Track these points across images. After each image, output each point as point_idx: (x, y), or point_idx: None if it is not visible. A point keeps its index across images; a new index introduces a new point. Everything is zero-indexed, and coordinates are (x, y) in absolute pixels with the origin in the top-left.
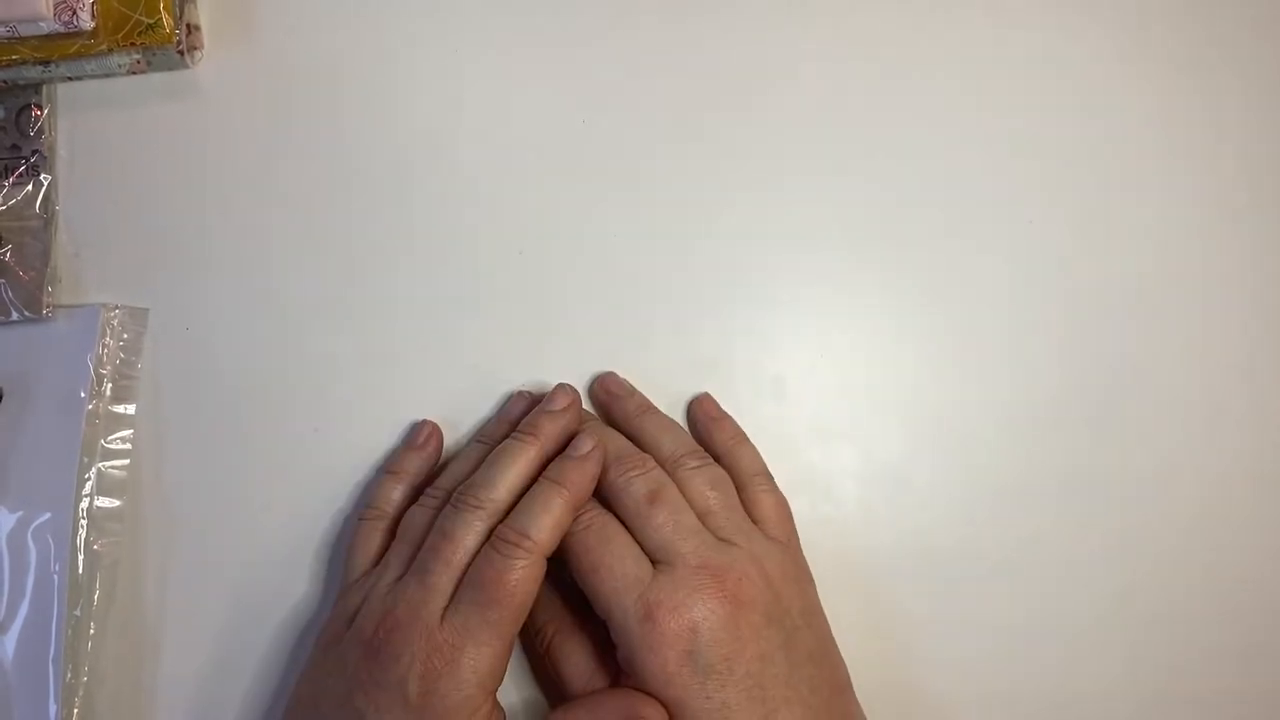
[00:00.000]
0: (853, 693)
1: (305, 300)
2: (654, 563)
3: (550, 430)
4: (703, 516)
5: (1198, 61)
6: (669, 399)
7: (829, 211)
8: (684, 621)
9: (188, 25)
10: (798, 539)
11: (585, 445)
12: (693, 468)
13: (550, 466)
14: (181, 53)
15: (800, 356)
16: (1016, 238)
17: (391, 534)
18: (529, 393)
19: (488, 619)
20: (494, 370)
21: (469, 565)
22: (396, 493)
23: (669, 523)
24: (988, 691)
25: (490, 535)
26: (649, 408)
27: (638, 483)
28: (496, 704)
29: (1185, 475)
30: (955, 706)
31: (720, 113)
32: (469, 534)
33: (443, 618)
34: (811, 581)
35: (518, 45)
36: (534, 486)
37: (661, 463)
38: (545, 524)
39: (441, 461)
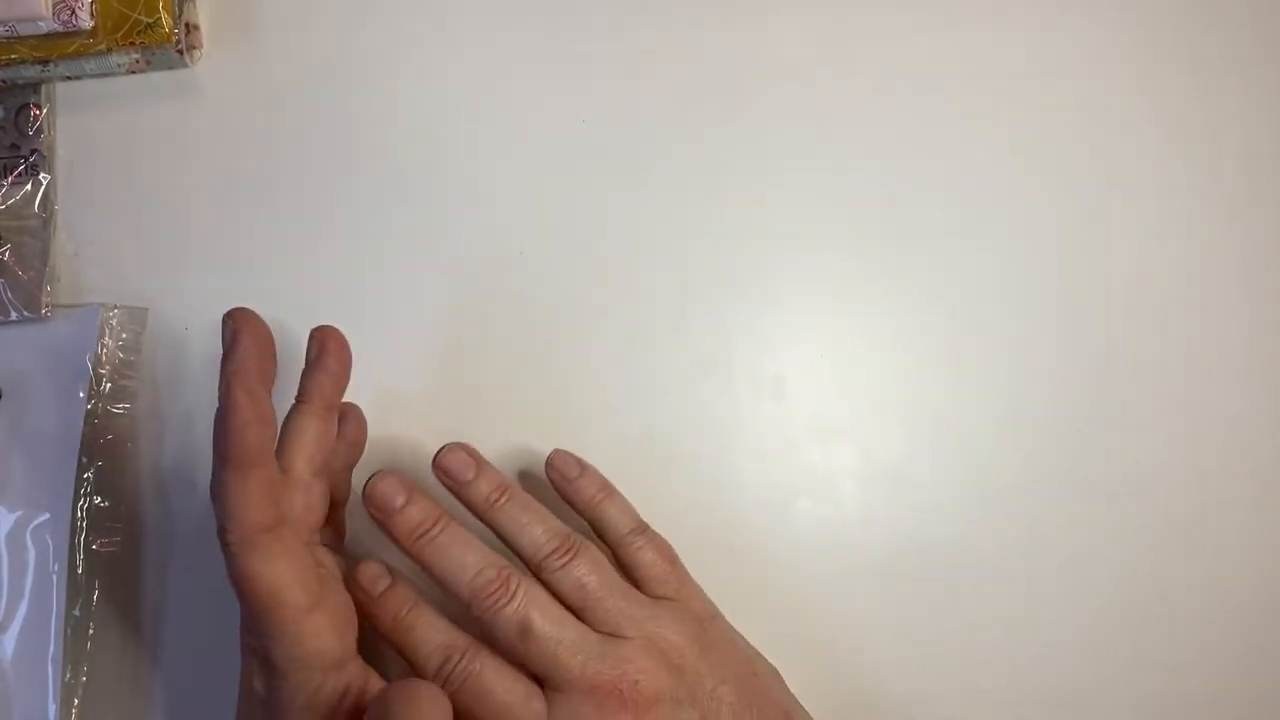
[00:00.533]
0: (800, 710)
1: (304, 300)
2: (542, 686)
3: (240, 370)
4: (580, 613)
5: (1198, 62)
6: (669, 400)
7: (829, 211)
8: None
9: (187, 25)
10: (688, 577)
11: (220, 395)
12: (557, 568)
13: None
14: (181, 52)
15: (800, 356)
16: (1016, 237)
17: None
18: (328, 328)
19: (257, 622)
20: (493, 370)
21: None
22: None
23: (546, 648)
24: (988, 691)
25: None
26: (502, 492)
27: (502, 618)
28: (351, 665)
29: (1185, 475)
30: (955, 706)
31: (720, 112)
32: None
33: (246, 625)
34: (716, 620)
35: (517, 45)
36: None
37: (525, 563)
38: (230, 506)
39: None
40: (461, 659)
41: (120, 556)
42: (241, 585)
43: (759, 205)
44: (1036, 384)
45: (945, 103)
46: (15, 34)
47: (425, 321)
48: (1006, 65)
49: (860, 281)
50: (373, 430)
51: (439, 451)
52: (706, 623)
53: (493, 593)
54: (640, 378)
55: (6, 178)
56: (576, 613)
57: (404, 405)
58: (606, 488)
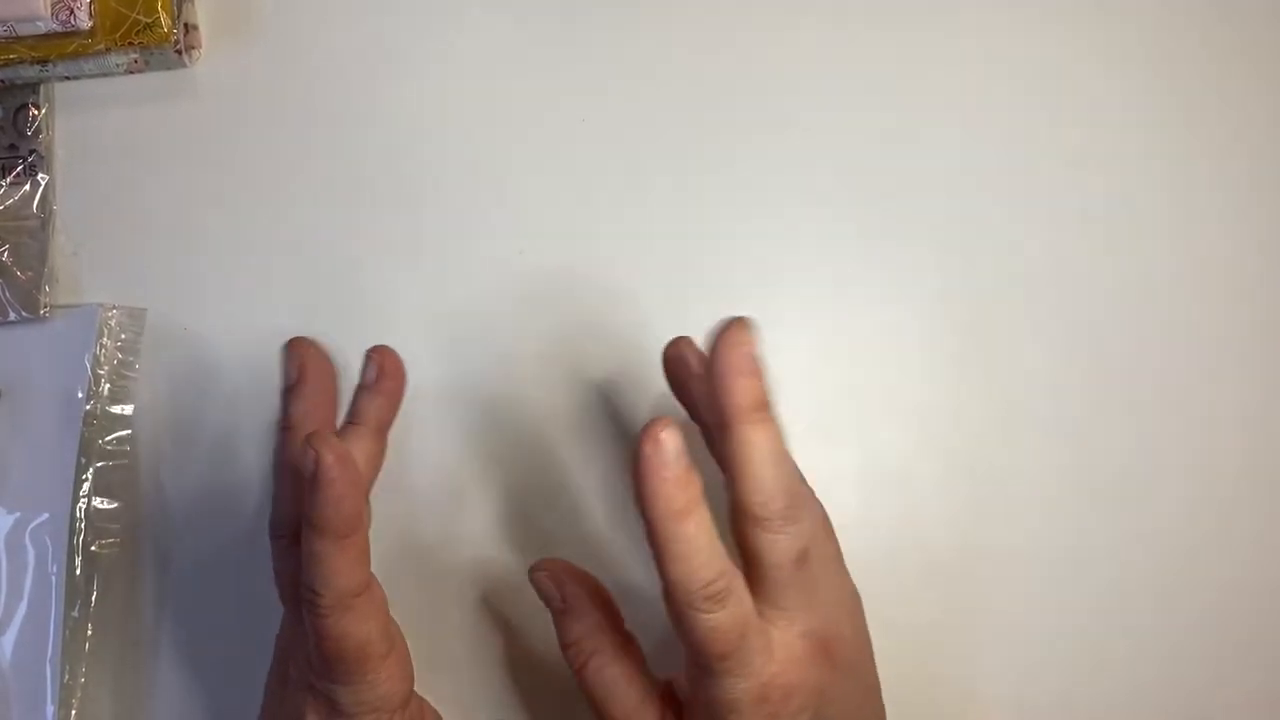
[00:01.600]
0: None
1: (304, 300)
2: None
3: (294, 413)
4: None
5: (1199, 63)
6: (669, 399)
7: (829, 211)
8: (794, 703)
9: (185, 25)
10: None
11: (308, 462)
12: (802, 514)
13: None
14: (179, 52)
15: (800, 356)
16: (1017, 238)
17: None
18: (385, 349)
19: (336, 672)
20: (494, 370)
21: None
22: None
23: (798, 587)
24: (988, 691)
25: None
26: (756, 411)
27: (781, 547)
28: (410, 705)
29: (1185, 475)
30: (955, 706)
31: (720, 112)
32: (284, 567)
33: (310, 664)
34: (837, 547)
35: (517, 44)
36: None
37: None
38: (322, 576)
39: None
40: (720, 594)
41: (119, 557)
42: (330, 644)
43: (759, 205)
44: (1037, 384)
45: (946, 103)
46: (14, 34)
47: (425, 321)
48: (1007, 65)
49: (860, 281)
50: None
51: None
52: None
53: (778, 524)
54: (640, 378)
55: (5, 178)
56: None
57: (404, 404)
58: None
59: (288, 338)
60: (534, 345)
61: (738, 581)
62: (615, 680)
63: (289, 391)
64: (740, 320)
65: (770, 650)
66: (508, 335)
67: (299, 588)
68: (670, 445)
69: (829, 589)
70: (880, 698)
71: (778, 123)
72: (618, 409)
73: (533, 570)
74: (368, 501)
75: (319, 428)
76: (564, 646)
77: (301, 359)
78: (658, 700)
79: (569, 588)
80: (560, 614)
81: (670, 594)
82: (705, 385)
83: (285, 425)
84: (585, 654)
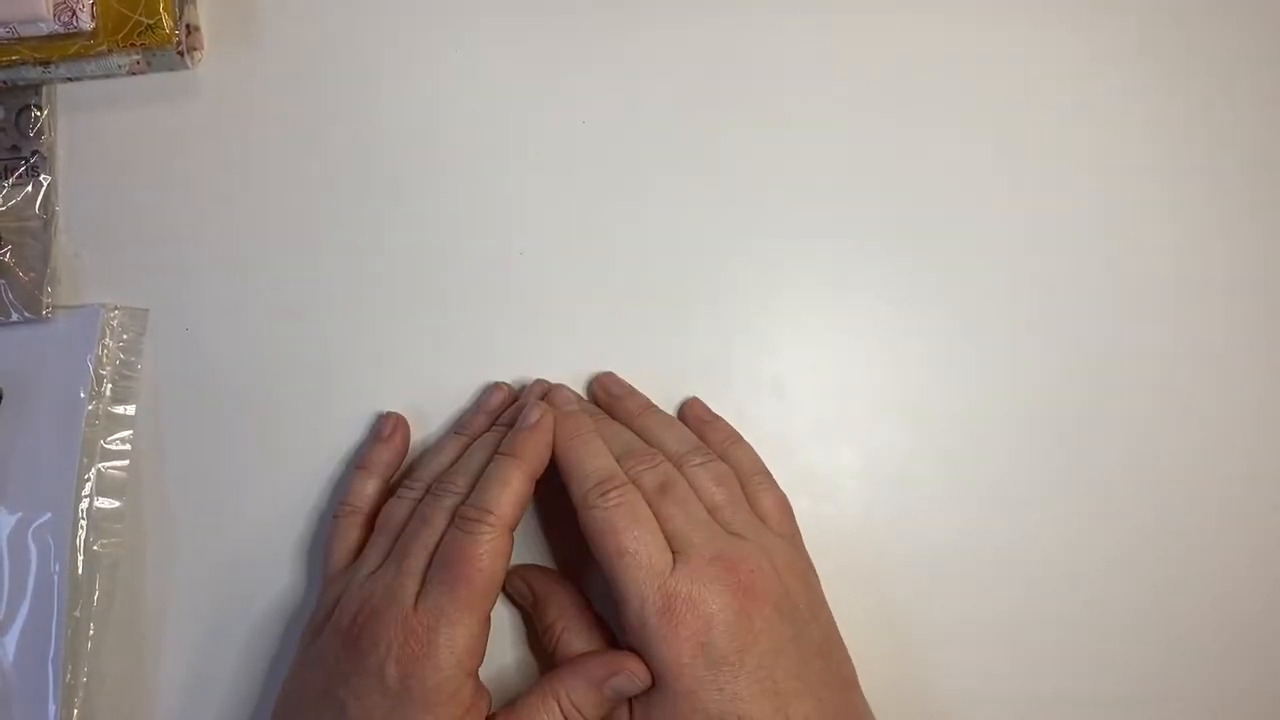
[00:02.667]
0: (859, 689)
1: (305, 301)
2: None
3: (554, 408)
4: (711, 511)
5: (1199, 62)
6: (669, 400)
7: (829, 211)
8: (700, 615)
9: (187, 26)
10: (800, 535)
11: (533, 415)
12: (697, 464)
13: (504, 440)
14: (181, 53)
15: (800, 356)
16: (1017, 238)
17: (368, 528)
18: (507, 385)
19: (458, 597)
20: (494, 371)
21: None
22: (369, 486)
23: (680, 514)
24: (988, 690)
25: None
26: (649, 406)
27: (647, 475)
28: (479, 684)
29: (1186, 475)
30: (955, 705)
31: (720, 112)
32: (444, 518)
33: (416, 601)
34: (816, 577)
35: (518, 45)
36: (491, 466)
37: (666, 459)
38: (504, 498)
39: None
40: (618, 486)
41: (121, 557)
42: (472, 559)
43: (759, 205)
44: (1036, 384)
45: (946, 103)
46: (16, 35)
47: (425, 321)
48: (1007, 66)
49: (861, 281)
50: (370, 426)
51: (599, 376)
52: (810, 568)
53: (642, 458)
54: (641, 378)
55: (7, 179)
56: (707, 511)
57: (403, 404)
58: (735, 434)
59: (290, 339)
60: (534, 345)
61: (630, 486)
62: (580, 647)
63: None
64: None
65: (669, 558)
66: (508, 335)
67: (432, 525)
68: (562, 395)
69: (749, 540)
70: (841, 669)
71: (778, 123)
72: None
73: (508, 579)
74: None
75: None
76: (540, 633)
77: (396, 427)
78: None
79: (538, 585)
80: (533, 607)
81: (575, 500)
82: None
83: (363, 464)
84: (556, 632)
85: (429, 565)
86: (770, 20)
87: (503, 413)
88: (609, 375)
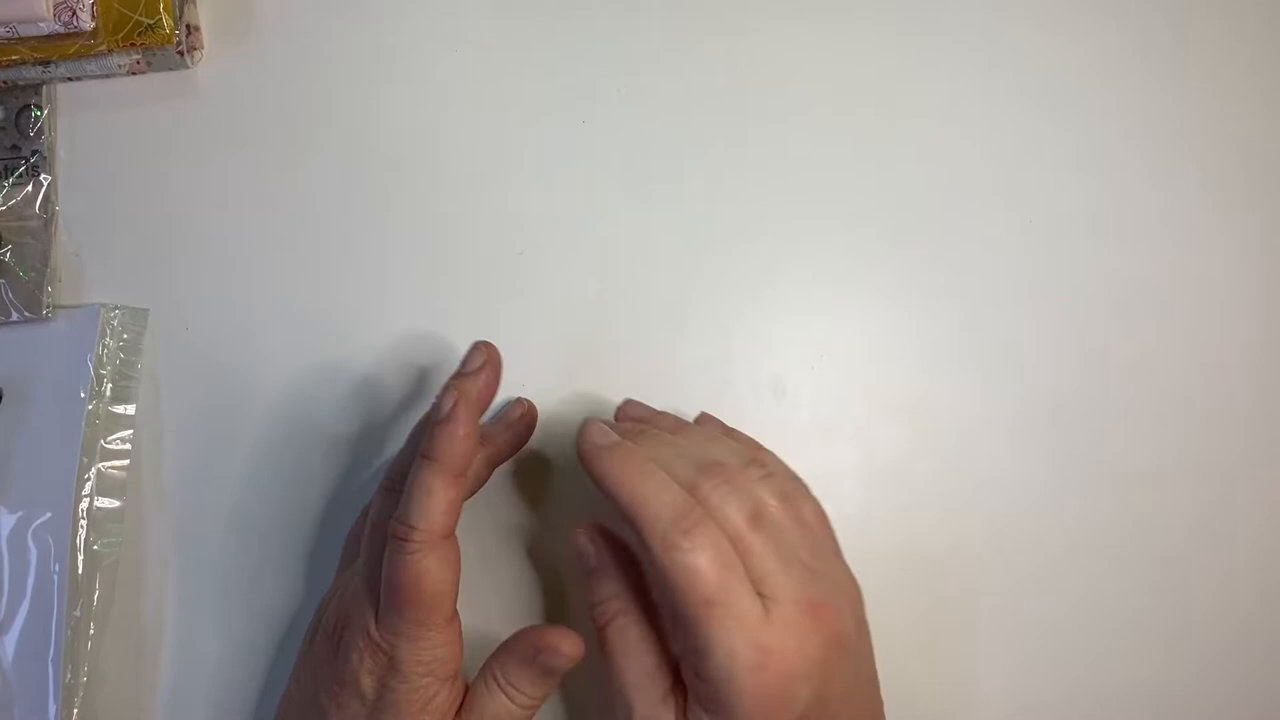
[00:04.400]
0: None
1: (305, 300)
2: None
3: (470, 391)
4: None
5: (1199, 62)
6: (670, 400)
7: (829, 211)
8: (793, 672)
9: (187, 26)
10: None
11: (445, 405)
12: (758, 478)
13: (422, 440)
14: (181, 53)
15: (800, 356)
16: (1016, 237)
17: None
18: (527, 400)
19: (406, 618)
20: None
21: None
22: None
23: (770, 551)
24: (987, 689)
25: None
26: (683, 423)
27: (731, 502)
28: (458, 683)
29: (1186, 475)
30: (955, 706)
31: (720, 113)
32: (379, 517)
33: (375, 620)
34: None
35: (517, 45)
36: (411, 469)
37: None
38: (429, 509)
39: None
40: (698, 523)
41: (121, 556)
42: (407, 581)
43: (759, 205)
44: (1036, 384)
45: (946, 102)
46: (16, 35)
47: (425, 322)
48: (1007, 65)
49: (861, 281)
50: (371, 430)
51: (623, 405)
52: (860, 602)
53: (714, 478)
54: (641, 378)
55: (8, 179)
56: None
57: (402, 403)
58: (756, 444)
59: (290, 339)
60: (534, 345)
61: (711, 521)
62: (636, 641)
63: (473, 374)
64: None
65: (760, 606)
66: (507, 336)
67: (384, 534)
68: (595, 428)
69: (817, 569)
70: (879, 692)
71: (777, 124)
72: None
73: (575, 532)
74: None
75: (475, 399)
76: (591, 605)
77: (489, 357)
78: (671, 671)
79: (602, 551)
80: (592, 572)
81: (648, 543)
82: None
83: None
84: (610, 613)
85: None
86: (770, 21)
87: (519, 425)
88: (630, 402)
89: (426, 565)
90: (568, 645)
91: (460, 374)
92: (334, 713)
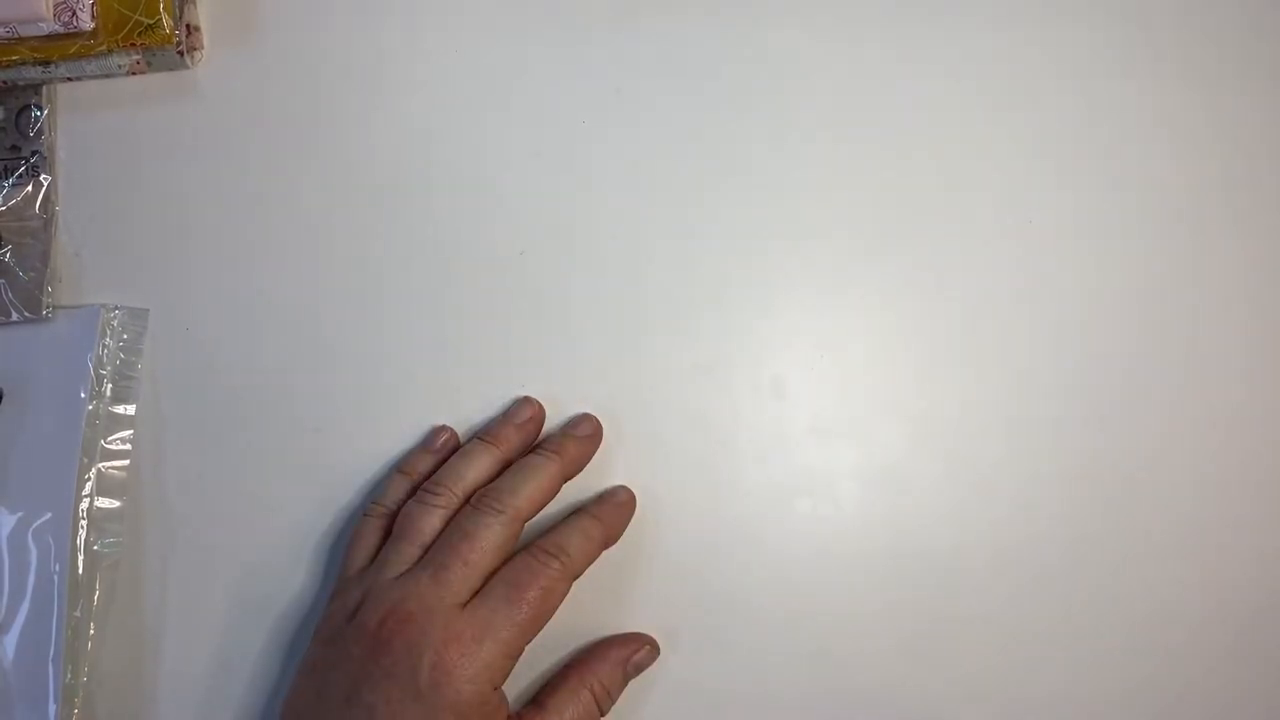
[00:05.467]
0: None
1: (305, 301)
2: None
3: (572, 453)
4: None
5: (1200, 62)
6: (670, 400)
7: (829, 211)
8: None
9: (187, 26)
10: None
11: (582, 424)
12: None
13: (593, 502)
14: (181, 53)
15: (800, 356)
16: (1016, 238)
17: (388, 530)
18: (536, 400)
19: (513, 616)
20: (494, 371)
21: (487, 565)
22: (404, 492)
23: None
24: (987, 692)
25: (510, 539)
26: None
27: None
28: (502, 694)
29: (1186, 475)
30: (955, 707)
31: (720, 113)
32: (489, 535)
33: (464, 610)
34: None
35: (518, 45)
36: (575, 517)
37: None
38: (582, 548)
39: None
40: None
41: (121, 557)
42: (548, 608)
43: (759, 205)
44: (1036, 384)
45: (946, 102)
46: (16, 35)
47: (424, 321)
48: (1006, 64)
49: (861, 282)
50: (371, 430)
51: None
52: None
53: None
54: (641, 378)
55: (7, 179)
56: None
57: (402, 404)
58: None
59: (290, 339)
60: (534, 345)
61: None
62: None
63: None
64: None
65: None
66: (507, 335)
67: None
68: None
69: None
70: None
71: (777, 124)
72: (618, 408)
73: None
74: None
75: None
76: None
77: (448, 440)
78: None
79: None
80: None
81: None
82: None
83: (406, 469)
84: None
85: (474, 581)
86: (771, 21)
87: (528, 426)
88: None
89: (560, 588)
90: (653, 648)
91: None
92: (382, 708)
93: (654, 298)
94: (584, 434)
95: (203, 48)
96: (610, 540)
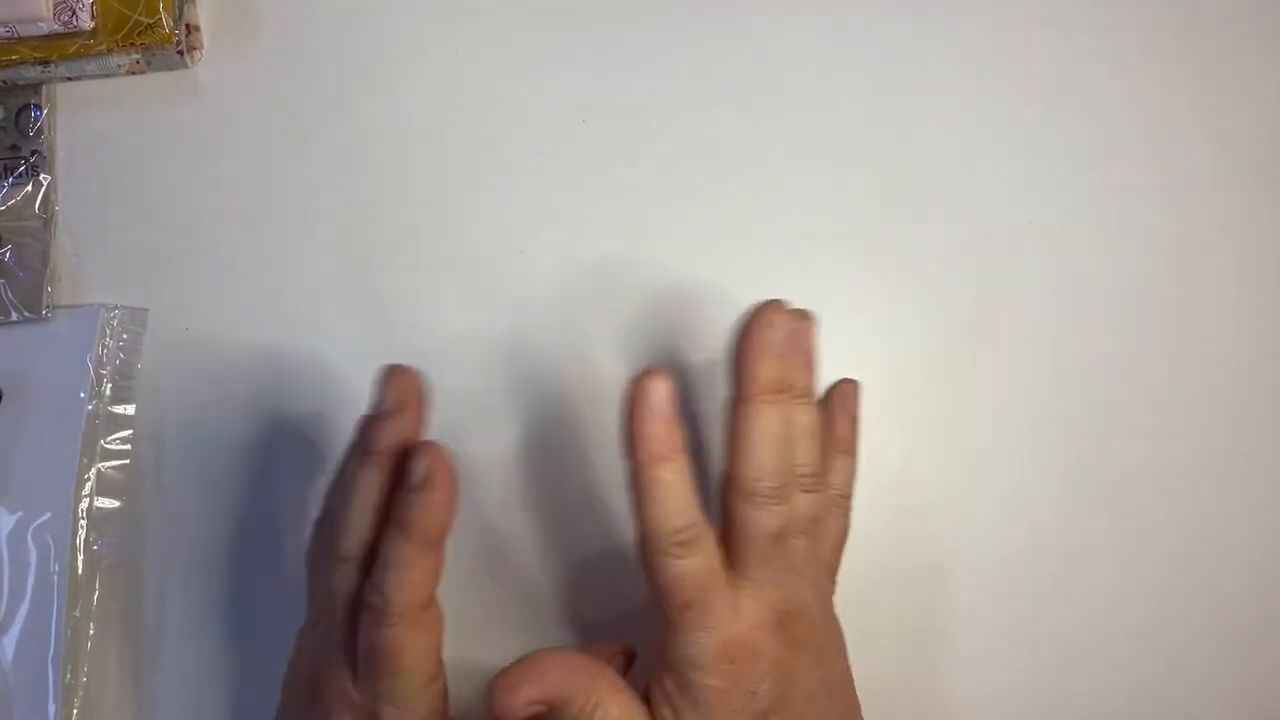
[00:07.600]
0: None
1: (305, 300)
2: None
3: (384, 440)
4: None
5: (1199, 62)
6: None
7: (829, 211)
8: (756, 668)
9: (187, 25)
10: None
11: (419, 470)
12: (806, 490)
13: (396, 506)
14: (181, 53)
15: None
16: (1017, 240)
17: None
18: (404, 371)
19: (385, 687)
20: (494, 371)
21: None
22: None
23: (777, 568)
24: (987, 692)
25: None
26: (774, 400)
27: (764, 519)
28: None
29: (1185, 476)
30: (955, 707)
31: (720, 112)
32: (344, 588)
33: (354, 682)
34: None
35: (518, 44)
36: (385, 536)
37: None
38: (405, 581)
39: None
40: (694, 531)
41: (121, 557)
42: (387, 654)
43: (759, 206)
44: (1036, 386)
45: (945, 102)
46: (16, 35)
47: (424, 322)
48: (1006, 64)
49: (860, 282)
50: None
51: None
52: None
53: (774, 494)
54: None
55: (7, 178)
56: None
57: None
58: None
59: (290, 339)
60: (534, 345)
61: (709, 536)
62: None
63: (383, 418)
64: (775, 303)
65: (736, 610)
66: (508, 335)
67: (355, 603)
68: (659, 391)
69: (806, 578)
70: (852, 694)
71: (778, 124)
72: (618, 409)
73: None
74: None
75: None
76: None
77: (404, 389)
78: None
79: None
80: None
81: (644, 538)
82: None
83: (366, 449)
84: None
85: (351, 638)
86: (772, 19)
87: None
88: (770, 306)
89: (407, 638)
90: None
91: (383, 416)
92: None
93: (654, 296)
94: (386, 409)
95: (202, 47)
96: (434, 543)
